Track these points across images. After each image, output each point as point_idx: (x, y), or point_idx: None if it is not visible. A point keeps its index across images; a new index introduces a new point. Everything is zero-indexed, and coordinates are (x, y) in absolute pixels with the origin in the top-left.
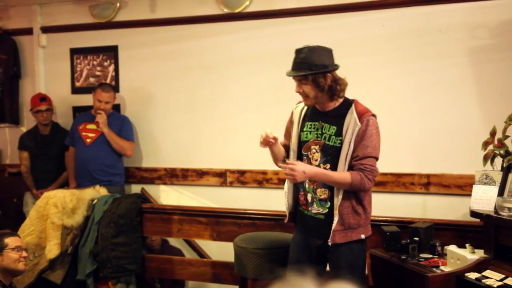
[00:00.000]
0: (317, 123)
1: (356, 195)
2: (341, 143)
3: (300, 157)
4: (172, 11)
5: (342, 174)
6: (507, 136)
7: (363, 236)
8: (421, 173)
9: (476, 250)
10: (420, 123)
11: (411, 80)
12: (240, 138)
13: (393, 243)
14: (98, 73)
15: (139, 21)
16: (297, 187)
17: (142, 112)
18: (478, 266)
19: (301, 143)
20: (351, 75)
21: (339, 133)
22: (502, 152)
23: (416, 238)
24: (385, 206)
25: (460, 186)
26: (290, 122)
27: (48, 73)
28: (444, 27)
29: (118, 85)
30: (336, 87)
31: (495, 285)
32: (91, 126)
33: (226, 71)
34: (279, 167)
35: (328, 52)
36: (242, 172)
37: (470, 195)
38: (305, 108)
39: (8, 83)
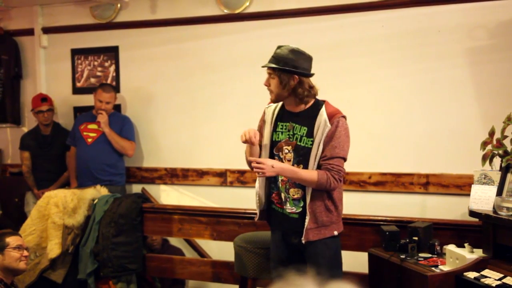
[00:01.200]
0: (288, 124)
1: (327, 193)
2: (312, 144)
3: (271, 157)
4: (172, 12)
5: (309, 172)
6: (506, 136)
7: (336, 233)
8: (420, 173)
9: (475, 250)
10: (419, 123)
11: (410, 80)
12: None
13: (393, 243)
14: (99, 73)
15: (139, 21)
16: (270, 186)
17: (142, 112)
18: (477, 266)
19: (273, 143)
20: (351, 76)
21: (310, 134)
22: (500, 152)
23: (415, 238)
24: (384, 205)
25: (459, 186)
26: (262, 121)
27: (49, 74)
28: (443, 28)
29: (118, 85)
30: (299, 90)
31: (493, 284)
32: (92, 126)
33: (226, 72)
34: (249, 161)
35: (306, 57)
36: (242, 172)
37: (469, 195)
38: (278, 108)
39: (9, 83)
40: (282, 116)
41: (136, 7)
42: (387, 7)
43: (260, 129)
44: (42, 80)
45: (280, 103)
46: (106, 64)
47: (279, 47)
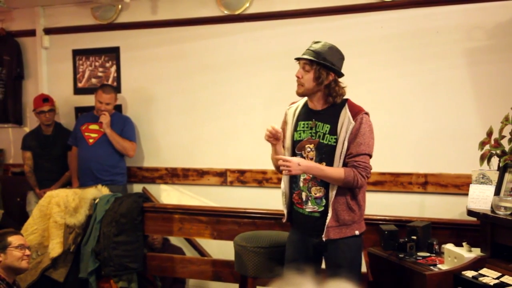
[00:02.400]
0: (310, 122)
1: (350, 191)
2: (336, 142)
3: (294, 156)
4: (173, 12)
5: (336, 169)
6: (504, 136)
7: (357, 232)
8: (418, 172)
9: (473, 249)
10: (418, 123)
11: (409, 80)
12: (240, 138)
13: (391, 242)
14: (100, 74)
15: (140, 22)
16: (292, 186)
17: (143, 113)
18: (475, 265)
19: (294, 143)
20: (350, 76)
21: (333, 132)
22: (498, 152)
23: (414, 237)
24: (383, 205)
25: (457, 185)
26: (284, 123)
27: (50, 74)
28: (442, 29)
29: (119, 86)
30: (335, 88)
31: (491, 283)
32: (94, 127)
33: (226, 72)
34: (275, 160)
35: (341, 57)
36: (242, 172)
37: (467, 194)
38: (299, 108)
39: (11, 84)
40: (304, 115)
41: (137, 8)
42: (386, 8)
43: (284, 131)
44: (44, 80)
45: (302, 103)
46: (107, 64)
47: (316, 42)
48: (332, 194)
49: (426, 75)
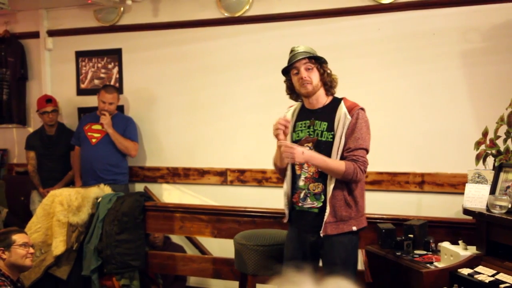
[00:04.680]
0: (308, 121)
1: (348, 187)
2: (333, 138)
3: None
4: (174, 15)
5: (337, 162)
6: (499, 137)
7: (354, 228)
8: (415, 172)
9: (468, 247)
10: (414, 123)
11: (406, 82)
12: (241, 138)
13: (389, 240)
14: (102, 75)
15: (142, 24)
16: (294, 187)
17: (145, 113)
18: (471, 262)
19: (293, 143)
20: (348, 77)
21: (330, 128)
22: (493, 152)
23: (411, 235)
24: (380, 204)
25: (453, 184)
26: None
27: (54, 75)
28: (438, 31)
29: (122, 87)
30: (332, 81)
31: (487, 281)
32: (97, 127)
33: (227, 73)
34: (279, 146)
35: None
36: (242, 171)
37: (463, 193)
38: (296, 110)
39: (15, 85)
40: (301, 116)
41: (138, 10)
42: (383, 10)
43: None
44: (47, 81)
45: (298, 105)
46: (110, 66)
47: (297, 46)
48: (330, 189)
49: (423, 76)
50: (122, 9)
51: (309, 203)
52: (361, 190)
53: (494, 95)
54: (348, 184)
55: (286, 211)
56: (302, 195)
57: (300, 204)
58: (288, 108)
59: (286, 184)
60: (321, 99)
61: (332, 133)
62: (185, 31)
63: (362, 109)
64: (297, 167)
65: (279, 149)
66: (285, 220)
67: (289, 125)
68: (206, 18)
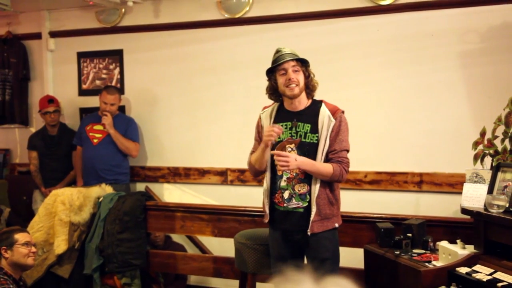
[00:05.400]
0: (290, 122)
1: (330, 186)
2: (318, 140)
3: (273, 158)
4: (175, 16)
5: (326, 165)
6: (496, 137)
7: (336, 225)
8: (414, 172)
9: (466, 246)
10: (413, 124)
11: (405, 82)
12: (241, 138)
13: (387, 239)
14: (104, 76)
15: (143, 26)
16: (273, 187)
17: (146, 113)
18: (469, 261)
19: (274, 144)
20: (347, 78)
21: (314, 130)
22: (491, 151)
23: (409, 234)
24: (379, 203)
25: (452, 184)
26: (260, 127)
27: (56, 76)
28: (436, 32)
29: (123, 87)
30: (314, 85)
31: (484, 279)
32: (98, 127)
33: (227, 74)
34: (261, 160)
35: None
36: (242, 171)
37: (461, 193)
38: (274, 111)
39: (17, 85)
40: (280, 117)
41: (139, 11)
42: (382, 12)
43: (259, 135)
44: (49, 82)
45: (276, 106)
46: (111, 66)
47: (282, 47)
48: (315, 190)
49: (421, 76)
50: (123, 10)
51: (294, 204)
52: (338, 188)
53: (492, 96)
54: (330, 184)
55: (267, 211)
56: (286, 195)
57: (284, 205)
58: (262, 109)
59: (266, 184)
60: (303, 101)
61: (317, 135)
62: (186, 32)
63: (343, 112)
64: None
65: (267, 156)
66: (266, 220)
67: (281, 132)
68: (207, 20)
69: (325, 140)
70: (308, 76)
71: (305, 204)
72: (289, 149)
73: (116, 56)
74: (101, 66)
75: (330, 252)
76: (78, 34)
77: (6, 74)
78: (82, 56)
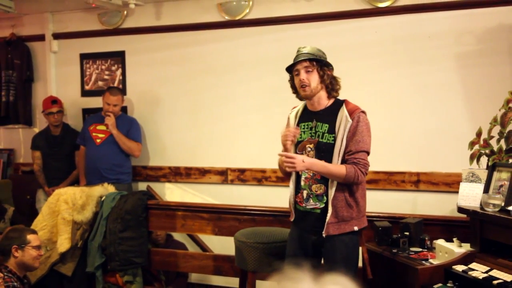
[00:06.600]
0: (310, 122)
1: (349, 189)
2: (334, 140)
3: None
4: (176, 18)
5: (338, 166)
6: (492, 137)
7: (356, 228)
8: (411, 171)
9: (463, 244)
10: (410, 124)
11: (402, 83)
12: (241, 139)
13: (385, 238)
14: (106, 77)
15: (145, 27)
16: (297, 187)
17: (148, 114)
18: (465, 259)
19: (296, 144)
20: (345, 79)
21: (331, 130)
22: (487, 151)
23: (407, 233)
24: (377, 202)
25: (448, 183)
26: (288, 126)
27: (59, 77)
28: (433, 34)
29: (125, 88)
30: (334, 83)
31: (480, 277)
32: (101, 127)
33: (227, 75)
34: (280, 156)
35: (325, 54)
36: (242, 171)
37: (457, 192)
38: (299, 111)
39: (21, 86)
40: (304, 117)
41: (141, 14)
42: (380, 14)
43: None
44: (53, 83)
45: (302, 107)
46: (113, 68)
47: (303, 47)
48: (332, 191)
49: (419, 77)
50: (125, 12)
51: (311, 204)
52: (362, 191)
53: (488, 96)
54: (349, 186)
55: (292, 210)
56: (305, 195)
57: (303, 205)
58: (291, 109)
59: (291, 184)
60: (323, 101)
61: (333, 135)
62: (187, 34)
63: (363, 112)
64: None
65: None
66: (292, 219)
67: (298, 134)
68: (208, 21)
69: (342, 141)
70: (323, 75)
71: (322, 206)
72: (309, 148)
73: (118, 57)
74: (103, 67)
75: (343, 256)
76: (81, 36)
77: (10, 76)
78: (85, 57)
